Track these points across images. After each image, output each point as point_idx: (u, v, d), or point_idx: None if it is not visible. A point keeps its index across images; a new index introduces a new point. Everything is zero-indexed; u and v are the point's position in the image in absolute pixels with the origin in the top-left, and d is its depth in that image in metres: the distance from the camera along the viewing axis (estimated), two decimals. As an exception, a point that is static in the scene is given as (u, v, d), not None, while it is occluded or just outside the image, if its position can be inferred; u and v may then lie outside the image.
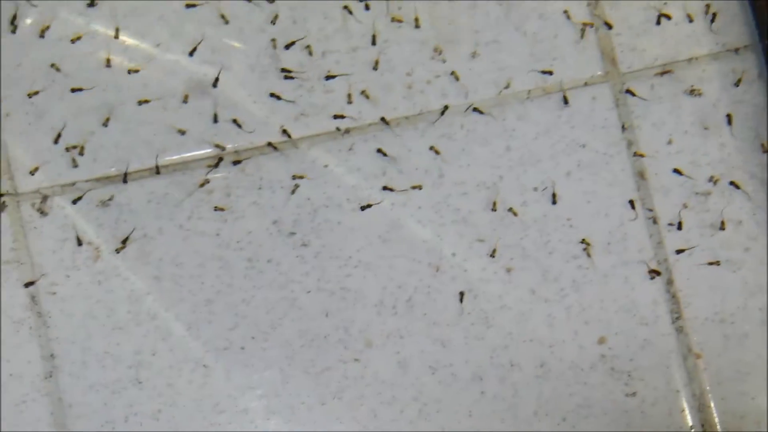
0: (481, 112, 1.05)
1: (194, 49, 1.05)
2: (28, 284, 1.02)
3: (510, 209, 1.05)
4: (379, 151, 1.05)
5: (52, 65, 1.04)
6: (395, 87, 1.05)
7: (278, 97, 1.05)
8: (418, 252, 1.05)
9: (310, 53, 1.06)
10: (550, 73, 1.06)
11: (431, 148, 1.05)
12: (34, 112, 1.04)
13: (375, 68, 1.06)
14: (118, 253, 1.03)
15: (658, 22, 1.07)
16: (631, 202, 1.06)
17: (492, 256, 1.05)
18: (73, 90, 1.04)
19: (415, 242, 1.05)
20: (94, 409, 1.03)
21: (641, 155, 1.06)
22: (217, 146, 1.05)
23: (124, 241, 1.03)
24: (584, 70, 1.07)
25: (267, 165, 1.05)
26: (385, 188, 1.05)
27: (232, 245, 1.04)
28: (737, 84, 1.07)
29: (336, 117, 1.05)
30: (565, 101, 1.06)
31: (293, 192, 1.05)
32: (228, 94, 1.05)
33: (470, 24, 1.06)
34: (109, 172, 1.04)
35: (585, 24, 1.07)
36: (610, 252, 1.06)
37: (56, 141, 1.04)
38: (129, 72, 1.04)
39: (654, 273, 1.05)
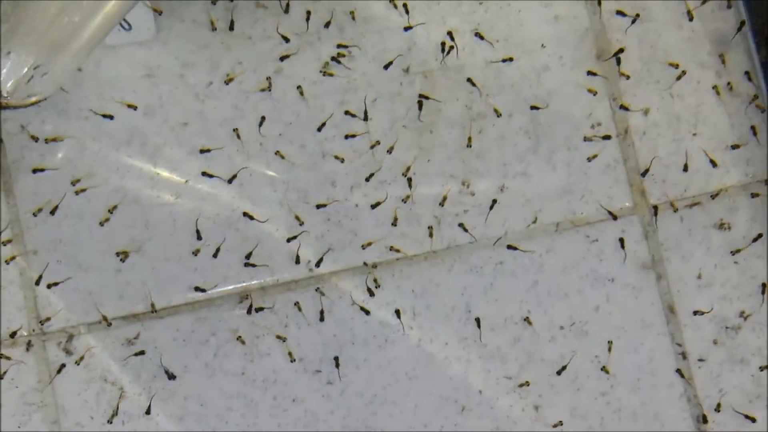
0: (513, 248, 1.04)
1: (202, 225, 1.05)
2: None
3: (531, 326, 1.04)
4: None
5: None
6: (423, 221, 1.05)
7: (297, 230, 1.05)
8: (445, 389, 1.04)
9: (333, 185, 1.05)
10: (615, 217, 1.05)
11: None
12: (61, 249, 1.03)
13: (394, 224, 1.05)
14: (148, 414, 1.02)
15: (686, 169, 1.06)
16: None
17: (519, 393, 1.03)
18: (101, 223, 1.03)
19: (442, 379, 1.03)
20: None
21: (651, 269, 1.05)
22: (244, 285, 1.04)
23: (148, 410, 1.02)
24: (613, 202, 1.06)
25: (293, 301, 1.03)
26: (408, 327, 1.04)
27: (257, 383, 1.03)
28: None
29: (364, 247, 1.04)
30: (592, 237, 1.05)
31: (319, 330, 1.03)
32: (255, 229, 1.04)
33: (499, 156, 1.06)
34: (135, 310, 1.03)
35: (606, 137, 1.06)
36: (638, 388, 1.05)
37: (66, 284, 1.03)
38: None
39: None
